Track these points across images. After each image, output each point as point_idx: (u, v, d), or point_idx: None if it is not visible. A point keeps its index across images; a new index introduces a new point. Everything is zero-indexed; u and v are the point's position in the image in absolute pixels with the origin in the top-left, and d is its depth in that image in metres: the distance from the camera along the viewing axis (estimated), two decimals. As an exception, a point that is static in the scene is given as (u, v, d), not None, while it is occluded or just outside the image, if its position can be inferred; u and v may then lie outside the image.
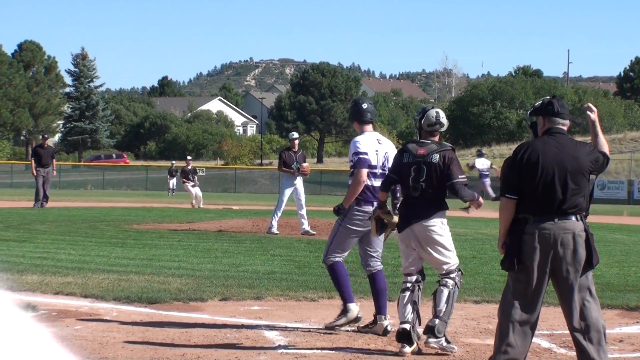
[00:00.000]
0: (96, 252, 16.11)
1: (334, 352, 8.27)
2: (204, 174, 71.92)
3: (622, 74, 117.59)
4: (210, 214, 28.51)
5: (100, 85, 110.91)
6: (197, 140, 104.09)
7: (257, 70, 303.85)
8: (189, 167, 38.32)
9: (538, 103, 7.17)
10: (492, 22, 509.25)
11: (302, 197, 20.88)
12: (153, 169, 75.64)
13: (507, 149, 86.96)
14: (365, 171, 9.20)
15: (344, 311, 9.33)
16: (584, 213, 6.92)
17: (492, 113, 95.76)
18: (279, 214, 20.93)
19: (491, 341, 8.80)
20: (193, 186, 36.90)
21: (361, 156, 9.23)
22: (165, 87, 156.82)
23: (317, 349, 8.39)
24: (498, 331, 7.01)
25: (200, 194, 36.74)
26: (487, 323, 9.84)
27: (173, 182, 55.89)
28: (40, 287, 11.69)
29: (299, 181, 21.04)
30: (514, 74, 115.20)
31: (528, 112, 7.28)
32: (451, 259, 8.54)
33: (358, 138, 9.40)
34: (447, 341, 8.36)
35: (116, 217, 26.50)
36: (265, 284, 12.29)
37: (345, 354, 8.18)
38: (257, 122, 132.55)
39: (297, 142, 21.38)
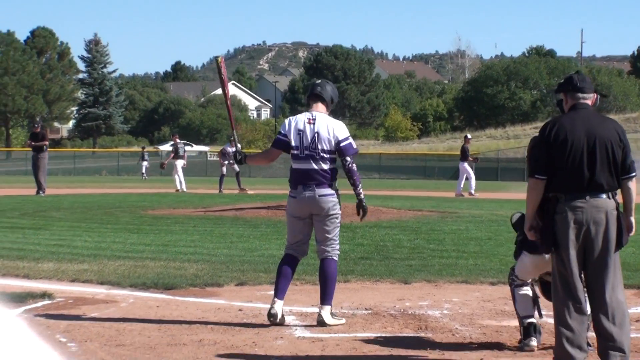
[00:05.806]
0: (112, 239, 16.14)
1: (351, 336, 8.26)
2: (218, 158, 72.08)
3: (636, 52, 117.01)
4: (225, 199, 28.52)
5: (114, 71, 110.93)
6: (211, 124, 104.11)
7: (270, 54, 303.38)
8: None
9: (561, 80, 7.12)
10: (505, 2, 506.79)
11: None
12: (168, 155, 75.50)
13: (521, 130, 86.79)
14: (275, 151, 9.00)
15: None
16: (614, 191, 6.84)
17: (506, 94, 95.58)
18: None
19: (507, 322, 8.82)
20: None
21: (278, 136, 9.00)
22: (178, 72, 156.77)
23: (334, 333, 8.38)
24: (556, 318, 6.85)
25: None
26: (504, 305, 9.81)
27: (145, 165, 58.00)
28: (56, 274, 11.73)
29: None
30: (527, 54, 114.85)
31: (554, 91, 7.25)
32: None
33: (291, 117, 9.09)
34: None
35: (131, 203, 26.53)
36: (281, 268, 12.27)
37: (361, 338, 8.17)
38: (270, 105, 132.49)
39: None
